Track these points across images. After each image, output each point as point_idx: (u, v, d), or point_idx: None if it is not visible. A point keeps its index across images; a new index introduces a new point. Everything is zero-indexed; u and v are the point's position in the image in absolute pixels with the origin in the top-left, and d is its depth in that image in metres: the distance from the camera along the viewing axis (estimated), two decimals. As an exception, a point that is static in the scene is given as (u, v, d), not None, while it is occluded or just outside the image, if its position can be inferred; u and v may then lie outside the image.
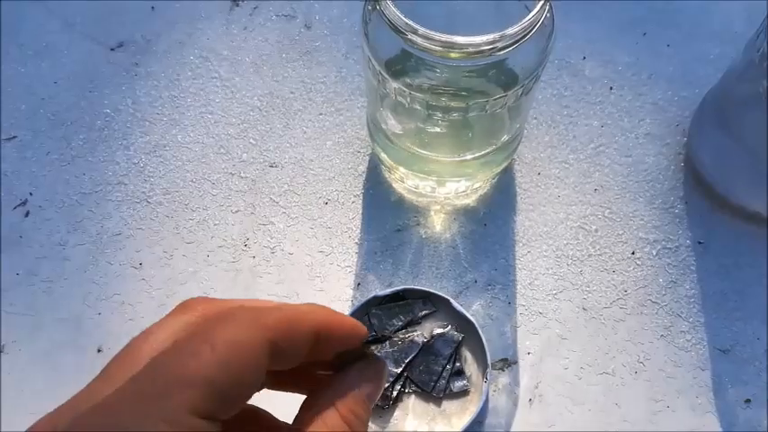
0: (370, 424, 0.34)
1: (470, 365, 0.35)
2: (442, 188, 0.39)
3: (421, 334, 0.36)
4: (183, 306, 0.20)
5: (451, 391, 0.34)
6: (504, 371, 0.36)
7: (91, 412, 0.16)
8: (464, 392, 0.34)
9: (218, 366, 0.16)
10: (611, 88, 0.44)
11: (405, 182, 0.40)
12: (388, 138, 0.37)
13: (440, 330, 0.36)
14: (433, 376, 0.35)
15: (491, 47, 0.28)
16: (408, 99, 0.32)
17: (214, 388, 0.16)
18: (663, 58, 0.44)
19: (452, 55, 0.29)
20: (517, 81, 0.32)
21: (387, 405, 0.34)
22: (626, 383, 0.35)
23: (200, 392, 0.16)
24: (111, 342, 0.38)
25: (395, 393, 0.34)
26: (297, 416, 0.20)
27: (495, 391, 0.35)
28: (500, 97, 0.31)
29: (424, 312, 0.36)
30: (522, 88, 0.32)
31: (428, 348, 0.35)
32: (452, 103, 0.32)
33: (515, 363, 0.36)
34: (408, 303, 0.37)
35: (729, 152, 0.37)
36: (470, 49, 0.28)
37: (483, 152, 0.37)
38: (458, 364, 0.35)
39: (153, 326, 0.19)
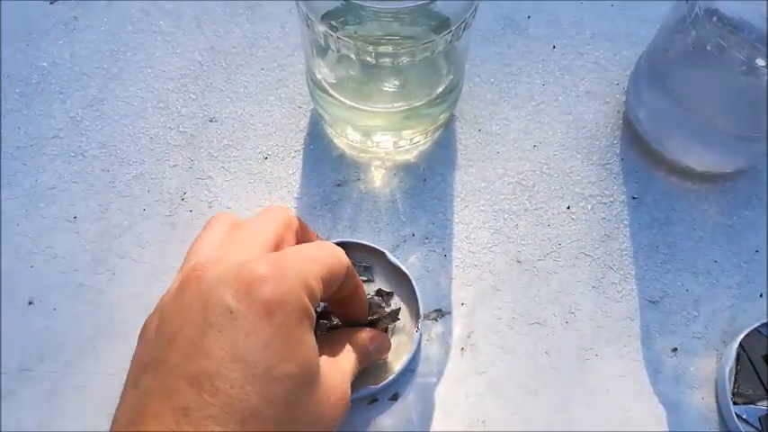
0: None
1: (404, 315, 0.36)
2: (382, 142, 0.39)
3: None
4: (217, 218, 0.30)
5: None
6: (437, 321, 0.36)
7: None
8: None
9: (334, 262, 0.27)
10: (553, 47, 0.44)
11: (345, 136, 0.40)
12: (325, 90, 0.37)
13: (372, 293, 0.36)
14: None
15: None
16: (338, 45, 0.32)
17: (330, 271, 0.26)
18: (606, 18, 0.45)
19: (379, -4, 0.28)
20: (449, 26, 0.32)
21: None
22: (556, 333, 0.36)
23: (325, 270, 0.26)
24: (43, 295, 0.37)
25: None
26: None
27: (427, 340, 0.36)
28: (428, 42, 0.31)
29: (361, 278, 0.36)
30: (452, 34, 0.32)
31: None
32: (380, 48, 0.31)
33: (449, 313, 0.36)
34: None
35: (662, 107, 0.38)
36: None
37: (419, 103, 0.36)
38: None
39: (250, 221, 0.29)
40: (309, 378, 0.25)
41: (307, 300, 0.25)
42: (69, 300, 0.37)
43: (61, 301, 0.37)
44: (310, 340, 0.25)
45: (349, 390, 0.28)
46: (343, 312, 0.33)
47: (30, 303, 0.37)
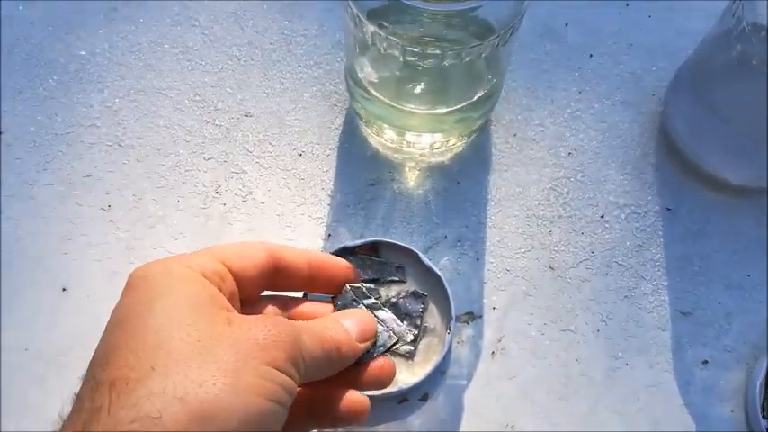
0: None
1: (435, 317, 0.36)
2: (418, 143, 0.39)
3: (387, 294, 0.36)
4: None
5: (397, 351, 0.34)
6: (468, 324, 0.36)
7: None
8: (408, 356, 0.34)
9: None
10: (590, 56, 0.44)
11: (381, 136, 0.40)
12: (365, 89, 0.37)
13: (404, 294, 0.36)
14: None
15: (467, -11, 0.28)
16: (385, 44, 0.32)
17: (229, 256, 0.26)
18: (644, 29, 0.45)
19: (430, -3, 0.29)
20: (493, 32, 0.32)
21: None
22: (587, 340, 0.36)
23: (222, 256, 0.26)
24: (76, 282, 0.37)
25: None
26: None
27: (459, 342, 0.36)
28: (476, 45, 0.31)
29: (393, 278, 0.36)
30: (499, 39, 0.32)
31: (394, 306, 0.35)
32: (428, 50, 0.32)
33: (480, 317, 0.36)
34: (382, 263, 0.37)
35: (702, 120, 0.38)
36: (447, -9, 0.28)
37: (459, 106, 0.37)
38: (412, 330, 0.35)
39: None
40: None
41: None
42: (103, 287, 0.37)
43: (94, 288, 0.37)
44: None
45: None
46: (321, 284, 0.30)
47: (63, 290, 0.37)
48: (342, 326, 0.27)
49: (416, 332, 0.35)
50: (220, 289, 0.25)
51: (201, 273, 0.24)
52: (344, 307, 0.31)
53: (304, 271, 0.29)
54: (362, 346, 0.27)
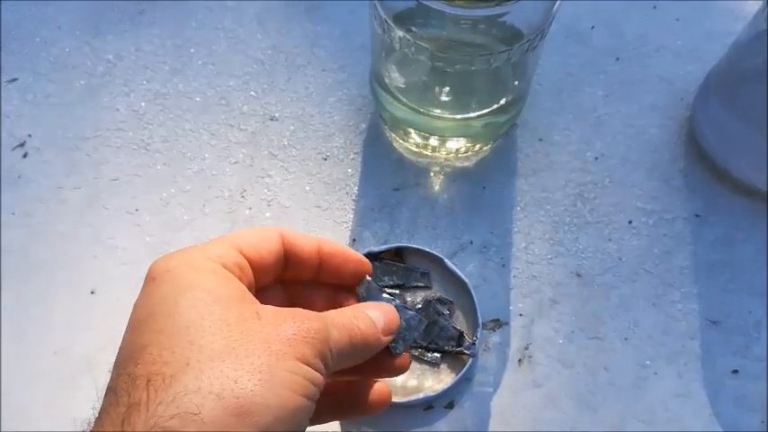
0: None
1: (461, 324, 0.35)
2: (443, 147, 0.39)
3: (413, 300, 0.36)
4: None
5: (426, 359, 0.34)
6: (495, 331, 0.36)
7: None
8: (435, 363, 0.34)
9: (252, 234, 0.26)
10: (617, 59, 0.43)
11: (406, 140, 0.40)
12: (392, 93, 0.37)
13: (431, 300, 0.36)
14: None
15: (497, -5, 0.28)
16: (413, 49, 0.32)
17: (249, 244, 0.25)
18: (671, 32, 0.44)
19: (458, 2, 0.28)
20: (522, 38, 0.31)
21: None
22: (615, 348, 0.35)
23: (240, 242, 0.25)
24: (104, 285, 0.38)
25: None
26: None
27: (485, 350, 0.36)
28: (505, 50, 0.31)
29: (418, 284, 0.36)
30: (529, 43, 0.32)
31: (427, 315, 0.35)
32: (457, 55, 0.31)
33: (507, 324, 0.36)
34: (407, 268, 0.36)
35: (732, 125, 0.37)
36: (477, -3, 0.28)
37: (485, 111, 0.36)
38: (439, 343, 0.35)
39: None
40: None
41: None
42: (130, 291, 0.37)
43: (123, 292, 0.37)
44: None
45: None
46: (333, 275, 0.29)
47: (92, 293, 0.38)
48: (369, 318, 0.26)
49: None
50: (240, 280, 0.25)
51: (222, 264, 0.24)
52: (368, 291, 0.29)
53: (314, 260, 0.28)
54: (386, 339, 0.27)
